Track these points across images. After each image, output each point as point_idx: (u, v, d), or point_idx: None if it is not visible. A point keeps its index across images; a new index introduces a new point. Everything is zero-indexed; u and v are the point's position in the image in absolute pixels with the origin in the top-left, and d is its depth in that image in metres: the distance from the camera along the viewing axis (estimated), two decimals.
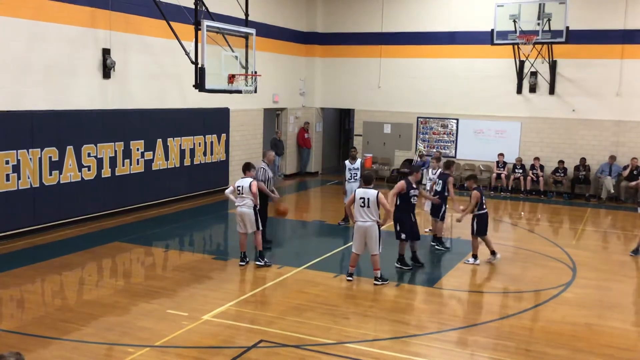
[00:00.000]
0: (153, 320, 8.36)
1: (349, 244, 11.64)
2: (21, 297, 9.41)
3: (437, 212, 12.59)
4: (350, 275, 10.36)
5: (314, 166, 23.54)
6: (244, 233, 10.98)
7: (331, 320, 8.53)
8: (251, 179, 10.93)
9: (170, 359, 7.22)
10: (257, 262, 10.91)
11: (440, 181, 12.64)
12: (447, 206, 12.72)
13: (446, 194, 12.52)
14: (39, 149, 12.55)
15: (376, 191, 10.12)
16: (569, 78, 19.79)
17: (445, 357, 7.59)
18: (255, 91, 14.38)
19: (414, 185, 11.11)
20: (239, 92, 13.84)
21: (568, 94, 19.85)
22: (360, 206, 10.06)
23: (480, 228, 11.48)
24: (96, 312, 8.60)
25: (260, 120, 20.38)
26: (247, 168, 11.14)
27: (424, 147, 21.54)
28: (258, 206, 10.98)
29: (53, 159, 12.86)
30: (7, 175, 11.96)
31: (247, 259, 11.03)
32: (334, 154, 25.78)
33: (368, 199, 10.01)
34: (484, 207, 11.47)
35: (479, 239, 11.60)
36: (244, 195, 10.83)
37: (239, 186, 10.89)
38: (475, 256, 11.56)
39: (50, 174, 12.83)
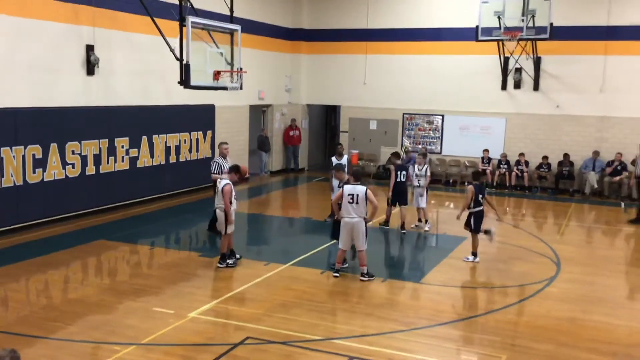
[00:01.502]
0: (139, 318, 8.32)
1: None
2: (5, 296, 9.33)
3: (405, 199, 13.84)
4: (337, 271, 10.38)
5: (300, 163, 23.50)
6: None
7: (318, 317, 8.54)
8: (226, 182, 10.63)
9: (156, 357, 7.20)
10: (219, 264, 10.74)
11: (404, 172, 13.69)
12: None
13: (408, 182, 13.80)
14: (23, 147, 12.43)
15: (365, 187, 10.15)
16: (553, 74, 19.93)
17: (432, 352, 7.63)
18: (241, 88, 14.34)
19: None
20: (225, 88, 13.79)
21: (552, 90, 20.00)
22: (349, 202, 10.06)
23: (477, 225, 11.43)
24: (82, 311, 8.55)
25: (246, 117, 20.33)
26: (230, 170, 11.00)
27: (410, 144, 21.62)
28: (229, 211, 10.57)
29: (37, 157, 12.75)
30: None
31: (239, 256, 10.99)
32: (319, 151, 25.77)
33: (357, 195, 10.03)
34: (480, 204, 11.42)
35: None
36: (218, 197, 10.75)
37: (220, 185, 10.83)
38: (474, 254, 11.57)
39: (34, 172, 12.72)
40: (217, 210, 10.70)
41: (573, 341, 8.01)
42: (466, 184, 11.84)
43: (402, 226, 13.67)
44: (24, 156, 12.47)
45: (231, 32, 13.91)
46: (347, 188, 10.22)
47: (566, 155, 19.61)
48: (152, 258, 11.66)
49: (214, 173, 12.39)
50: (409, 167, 14.02)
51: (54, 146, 13.09)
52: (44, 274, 10.22)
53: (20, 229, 12.60)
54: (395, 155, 14.33)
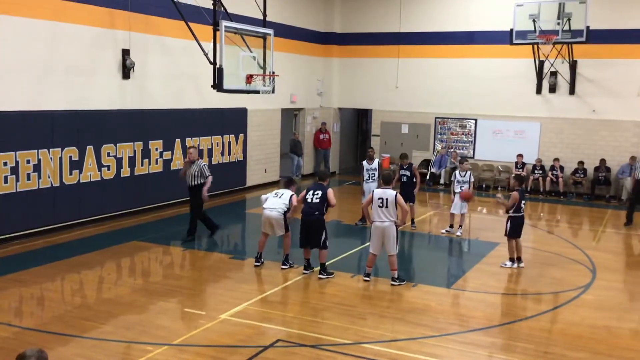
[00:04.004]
0: (171, 319, 8.41)
1: (366, 244, 11.62)
2: (41, 295, 9.52)
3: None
4: (368, 275, 10.35)
5: (332, 166, 23.49)
6: (267, 235, 11.01)
7: (348, 321, 8.52)
8: (292, 193, 11.00)
9: (187, 358, 7.26)
10: (283, 266, 10.89)
11: (408, 172, 14.35)
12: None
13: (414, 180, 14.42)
14: (60, 149, 12.69)
15: (395, 191, 10.11)
16: (589, 78, 19.60)
17: (463, 358, 7.55)
18: (273, 91, 14.39)
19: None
20: (257, 92, 13.86)
21: (588, 94, 19.66)
22: (379, 206, 10.03)
23: (512, 230, 11.31)
24: (115, 311, 8.68)
25: (278, 121, 20.42)
26: (289, 184, 11.35)
27: (442, 148, 21.46)
28: (290, 215, 10.95)
29: (73, 159, 13.00)
30: (28, 175, 12.10)
31: (263, 260, 11.05)
32: (351, 154, 25.75)
33: (387, 199, 9.99)
34: (521, 210, 11.30)
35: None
36: (279, 200, 10.86)
37: (280, 192, 11.04)
38: (512, 260, 11.41)
39: (71, 174, 12.97)
40: (275, 212, 10.76)
41: (608, 350, 7.84)
42: (511, 189, 11.66)
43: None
44: (60, 158, 12.72)
45: (264, 36, 13.98)
46: (377, 192, 10.20)
47: (602, 161, 19.25)
48: (183, 259, 11.78)
49: (207, 176, 12.67)
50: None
51: (90, 148, 13.33)
52: (78, 274, 10.39)
53: (56, 229, 12.85)
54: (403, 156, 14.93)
